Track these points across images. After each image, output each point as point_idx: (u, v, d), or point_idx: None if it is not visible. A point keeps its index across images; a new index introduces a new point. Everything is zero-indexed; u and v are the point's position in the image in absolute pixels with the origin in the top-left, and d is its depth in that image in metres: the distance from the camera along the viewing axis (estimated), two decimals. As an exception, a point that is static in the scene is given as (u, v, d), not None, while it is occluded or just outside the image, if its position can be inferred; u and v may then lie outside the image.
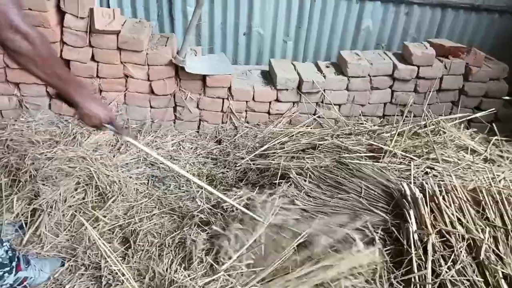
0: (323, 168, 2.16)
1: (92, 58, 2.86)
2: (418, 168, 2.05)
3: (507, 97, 3.85)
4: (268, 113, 3.21)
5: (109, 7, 3.28)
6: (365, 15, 3.60)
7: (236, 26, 3.54)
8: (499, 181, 1.93)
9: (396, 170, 2.07)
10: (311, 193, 2.06)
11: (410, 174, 2.01)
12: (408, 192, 1.87)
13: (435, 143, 2.15)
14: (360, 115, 3.29)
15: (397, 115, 3.32)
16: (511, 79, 3.54)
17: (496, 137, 2.45)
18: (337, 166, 2.15)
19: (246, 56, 3.72)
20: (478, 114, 2.69)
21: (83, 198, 2.30)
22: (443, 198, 1.80)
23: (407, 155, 2.11)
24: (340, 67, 3.29)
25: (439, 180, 1.93)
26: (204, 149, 3.01)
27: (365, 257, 1.70)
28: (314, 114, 3.20)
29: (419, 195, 1.83)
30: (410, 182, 1.94)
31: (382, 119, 3.36)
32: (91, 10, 2.71)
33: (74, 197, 2.29)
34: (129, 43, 2.82)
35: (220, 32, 3.57)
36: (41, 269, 1.90)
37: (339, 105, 3.25)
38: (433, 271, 1.67)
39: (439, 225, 1.71)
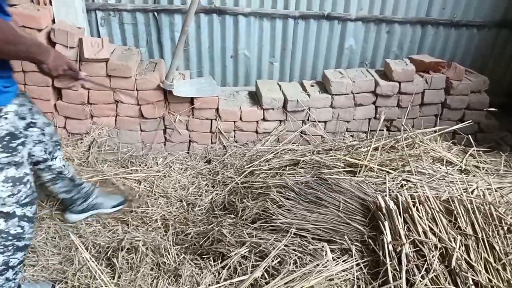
0: (303, 184, 2.23)
1: (83, 86, 2.97)
2: (394, 180, 2.11)
3: (493, 109, 3.96)
4: (256, 132, 3.30)
5: (99, 35, 3.41)
6: (348, 35, 3.72)
7: (223, 49, 3.67)
8: (472, 191, 1.99)
9: (373, 184, 2.14)
10: (292, 209, 2.13)
11: (386, 187, 2.07)
12: (383, 204, 1.93)
13: (410, 156, 2.22)
14: (345, 131, 3.37)
15: (381, 130, 3.43)
16: (494, 91, 3.64)
17: (473, 148, 2.52)
18: (317, 182, 2.22)
19: (234, 78, 3.83)
20: (456, 127, 2.77)
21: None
22: (417, 209, 1.86)
23: (383, 168, 2.18)
24: (324, 85, 3.39)
25: (413, 192, 1.99)
26: (194, 169, 3.09)
27: (337, 267, 1.76)
28: (301, 132, 3.29)
29: (393, 206, 1.89)
30: (386, 195, 2.01)
31: (367, 134, 3.44)
32: (80, 40, 2.83)
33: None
34: (118, 70, 2.94)
35: (208, 55, 3.69)
36: None
37: (325, 122, 3.33)
38: (407, 280, 1.73)
39: (412, 235, 1.77)
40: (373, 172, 2.22)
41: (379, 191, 2.09)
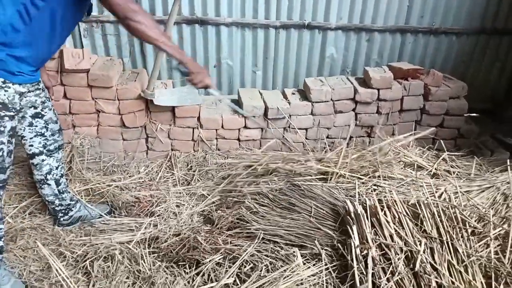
0: (277, 191, 2.26)
1: (64, 96, 3.01)
2: (365, 186, 2.15)
3: (474, 114, 4.03)
4: (238, 139, 3.34)
5: (82, 46, 3.46)
6: (328, 44, 3.78)
7: (206, 59, 3.71)
8: (440, 195, 2.03)
9: (344, 189, 2.17)
10: (265, 216, 2.15)
11: (356, 192, 2.11)
12: (351, 209, 1.96)
13: (381, 162, 2.25)
14: (326, 138, 3.40)
15: (362, 136, 3.47)
16: (475, 97, 3.70)
17: (446, 153, 2.56)
18: (291, 188, 2.25)
19: (218, 87, 3.87)
20: (423, 133, 2.80)
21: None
22: (384, 213, 1.89)
23: (354, 174, 2.22)
24: (305, 93, 3.43)
25: (382, 197, 2.02)
26: (175, 177, 3.11)
27: (306, 271, 1.78)
28: (282, 139, 3.33)
29: (361, 211, 1.92)
30: (355, 200, 2.04)
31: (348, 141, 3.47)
32: (61, 51, 2.87)
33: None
34: (99, 80, 2.98)
35: (191, 65, 3.72)
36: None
37: (306, 129, 3.37)
38: (374, 283, 1.75)
39: (379, 239, 1.79)
40: (345, 178, 2.25)
41: (350, 196, 2.12)
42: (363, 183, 2.18)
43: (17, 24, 1.74)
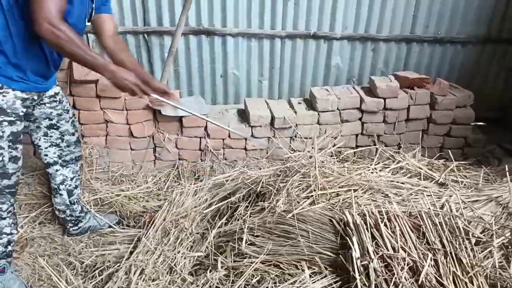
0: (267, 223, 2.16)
1: (73, 106, 3.06)
2: (363, 196, 2.14)
3: (480, 123, 4.01)
4: (245, 149, 3.37)
5: (91, 58, 3.51)
6: (334, 53, 3.81)
7: (212, 69, 3.76)
8: (442, 205, 2.02)
9: (342, 201, 2.15)
10: (263, 246, 2.06)
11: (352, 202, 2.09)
12: (350, 220, 1.96)
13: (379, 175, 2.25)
14: (332, 147, 3.41)
15: (369, 146, 3.47)
16: (483, 105, 3.69)
17: (455, 163, 2.56)
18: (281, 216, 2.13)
19: (224, 97, 3.92)
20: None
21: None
22: (385, 225, 1.89)
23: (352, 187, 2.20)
24: (311, 102, 3.46)
25: (382, 208, 2.02)
26: (182, 187, 3.13)
27: (316, 284, 1.79)
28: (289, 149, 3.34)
29: (360, 221, 1.92)
30: (353, 211, 2.02)
31: (355, 150, 3.48)
32: (70, 62, 2.93)
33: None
34: (108, 91, 3.02)
35: (198, 75, 3.78)
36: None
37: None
38: (378, 295, 1.75)
39: (381, 251, 1.80)
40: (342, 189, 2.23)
41: (346, 207, 2.10)
42: (360, 194, 2.16)
43: (4, 32, 1.73)
